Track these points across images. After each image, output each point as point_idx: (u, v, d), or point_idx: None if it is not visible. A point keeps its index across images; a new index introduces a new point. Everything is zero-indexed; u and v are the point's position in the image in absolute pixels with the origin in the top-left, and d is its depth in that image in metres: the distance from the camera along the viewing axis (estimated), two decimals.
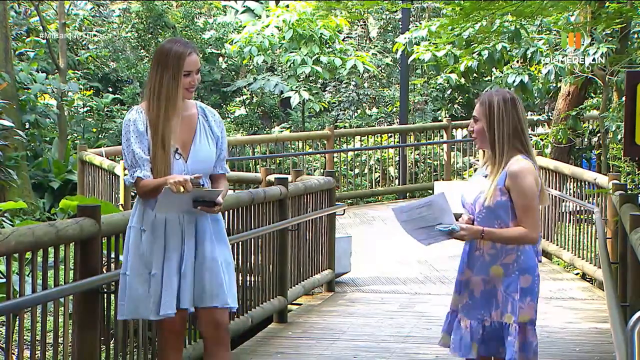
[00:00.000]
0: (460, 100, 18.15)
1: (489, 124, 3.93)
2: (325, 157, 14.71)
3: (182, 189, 3.85)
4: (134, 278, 3.99)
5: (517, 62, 13.45)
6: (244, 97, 19.49)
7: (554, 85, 12.61)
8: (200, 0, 21.14)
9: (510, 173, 3.88)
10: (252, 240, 6.68)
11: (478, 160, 12.60)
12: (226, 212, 6.20)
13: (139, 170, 3.99)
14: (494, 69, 14.51)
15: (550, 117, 12.80)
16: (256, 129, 18.82)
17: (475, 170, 4.33)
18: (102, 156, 11.67)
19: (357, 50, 18.55)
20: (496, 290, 3.92)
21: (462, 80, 15.47)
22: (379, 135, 15.74)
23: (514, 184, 3.88)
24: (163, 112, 4.00)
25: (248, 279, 6.63)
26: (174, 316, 4.00)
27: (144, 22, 18.85)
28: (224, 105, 19.56)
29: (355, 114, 18.75)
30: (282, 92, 17.66)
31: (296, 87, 17.11)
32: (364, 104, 19.08)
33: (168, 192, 3.87)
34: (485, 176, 4.00)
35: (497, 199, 3.89)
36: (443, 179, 14.54)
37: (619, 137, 10.10)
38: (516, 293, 3.88)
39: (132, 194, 10.18)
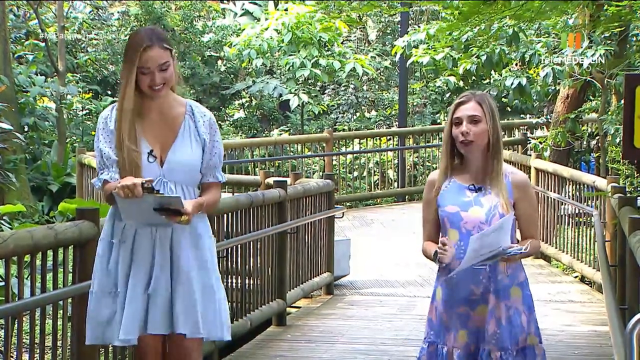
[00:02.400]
0: None
1: (493, 127, 3.51)
2: (324, 160, 14.71)
3: (130, 195, 3.40)
4: (101, 297, 3.60)
5: (516, 65, 13.47)
6: (243, 100, 19.50)
7: (553, 88, 12.62)
8: (199, 0, 21.12)
9: (517, 183, 3.54)
10: (251, 243, 6.69)
11: None
12: (225, 215, 6.21)
13: (105, 171, 3.59)
14: (492, 72, 14.51)
15: (549, 120, 12.80)
16: (255, 131, 18.82)
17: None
18: None
19: (356, 53, 18.55)
20: (520, 312, 3.53)
21: (461, 83, 15.48)
22: (377, 138, 15.74)
23: (524, 194, 3.55)
24: (128, 110, 3.57)
25: (247, 281, 6.63)
26: (136, 343, 3.57)
27: (143, 25, 18.86)
28: (223, 108, 19.56)
29: (354, 117, 18.75)
30: (281, 95, 17.66)
31: (295, 90, 17.11)
32: (363, 107, 19.08)
33: (121, 198, 3.46)
34: (474, 189, 3.55)
35: (509, 214, 3.49)
36: None
37: (618, 140, 10.11)
38: (534, 312, 3.59)
39: None
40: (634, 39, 11.12)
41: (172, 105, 3.67)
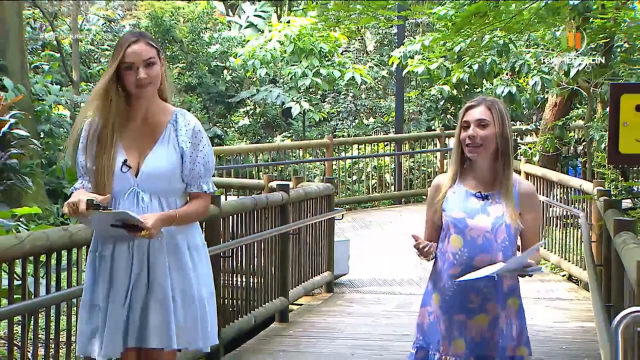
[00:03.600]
0: (453, 111, 18.16)
1: (502, 132, 3.27)
2: (324, 165, 14.71)
3: (75, 212, 3.12)
4: (84, 309, 3.33)
5: (506, 74, 13.46)
6: (248, 107, 19.49)
7: (542, 96, 12.62)
8: (208, 0, 21.09)
9: (524, 193, 3.32)
10: (255, 243, 6.68)
11: None
12: (231, 217, 6.20)
13: (79, 180, 3.33)
14: (484, 81, 14.50)
15: (538, 127, 12.80)
16: (259, 137, 18.82)
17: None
18: None
19: (354, 63, 18.56)
20: (512, 323, 3.34)
21: (454, 92, 15.49)
22: (375, 143, 15.74)
23: (530, 204, 3.32)
24: (106, 115, 3.27)
25: (251, 280, 6.63)
26: (119, 357, 3.30)
27: (153, 37, 18.91)
28: (229, 115, 19.55)
29: (353, 124, 18.75)
30: (283, 103, 17.66)
31: (297, 98, 17.12)
32: (362, 114, 19.08)
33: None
34: (481, 196, 3.32)
35: (516, 225, 3.29)
36: None
37: (603, 145, 10.10)
38: (525, 322, 3.38)
39: None
40: (618, 49, 11.11)
41: (158, 114, 3.36)
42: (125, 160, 3.27)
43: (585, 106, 11.82)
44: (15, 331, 3.92)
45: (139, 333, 3.28)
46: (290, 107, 17.15)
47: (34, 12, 17.87)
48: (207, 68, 19.44)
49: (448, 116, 17.89)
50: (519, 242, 3.43)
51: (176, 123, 3.36)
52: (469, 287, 3.29)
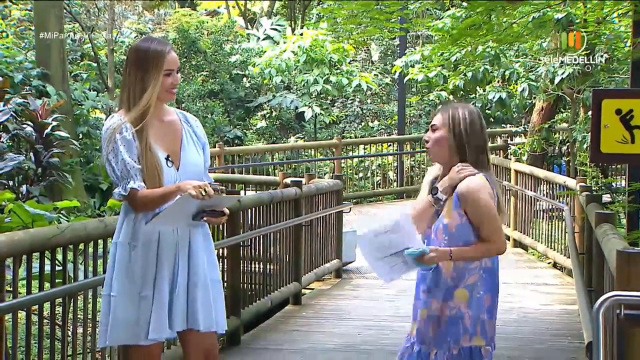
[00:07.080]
0: None
1: (453, 135, 3.10)
2: (334, 163, 14.69)
3: (203, 194, 2.99)
4: (123, 300, 3.13)
5: (498, 81, 13.42)
6: (265, 111, 19.48)
7: (530, 101, 12.58)
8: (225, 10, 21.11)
9: (460, 193, 3.07)
10: (272, 234, 6.68)
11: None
12: (249, 210, 6.20)
13: (132, 181, 3.09)
14: (477, 88, 14.46)
15: (526, 129, 12.75)
16: (275, 138, 18.81)
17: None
18: None
19: (361, 71, 18.53)
20: (463, 314, 3.11)
21: (451, 97, 15.42)
22: (380, 144, 15.72)
23: (469, 202, 3.07)
24: (148, 117, 3.14)
25: (268, 267, 6.62)
26: (163, 340, 3.17)
27: (180, 48, 18.90)
28: (247, 119, 19.55)
29: (360, 126, 18.72)
30: (297, 107, 17.65)
31: (309, 103, 17.10)
32: (367, 118, 19.05)
33: (181, 201, 3.01)
34: (433, 194, 3.17)
35: (457, 223, 3.10)
36: None
37: (585, 146, 10.06)
38: (484, 314, 3.13)
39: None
40: (599, 59, 11.06)
41: (167, 112, 3.27)
42: (168, 156, 3.17)
43: (569, 110, 11.77)
44: (57, 312, 3.93)
45: (188, 316, 3.16)
46: (303, 111, 17.14)
47: (74, 27, 17.90)
48: (228, 76, 19.44)
49: None
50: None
51: (187, 121, 3.30)
52: (420, 277, 3.19)
